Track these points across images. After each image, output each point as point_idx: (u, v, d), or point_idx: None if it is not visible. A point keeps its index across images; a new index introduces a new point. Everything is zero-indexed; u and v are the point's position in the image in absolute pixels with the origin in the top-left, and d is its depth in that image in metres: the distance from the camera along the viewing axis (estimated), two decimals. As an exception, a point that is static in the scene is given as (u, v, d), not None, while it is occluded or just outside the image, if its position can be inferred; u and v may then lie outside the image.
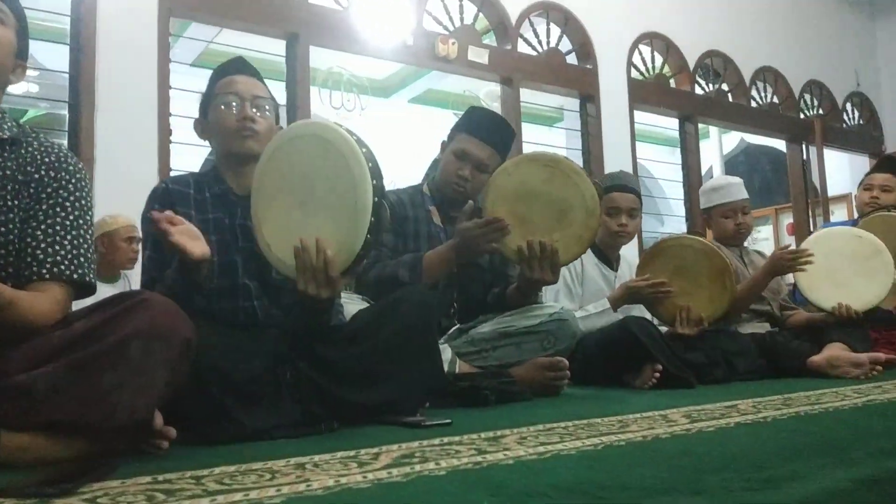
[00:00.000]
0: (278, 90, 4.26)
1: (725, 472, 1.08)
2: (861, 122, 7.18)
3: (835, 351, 2.80)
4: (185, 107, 3.18)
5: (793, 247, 3.17)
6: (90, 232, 1.46)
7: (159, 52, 3.64)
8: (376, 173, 1.59)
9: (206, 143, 1.96)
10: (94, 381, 1.21)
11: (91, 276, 1.43)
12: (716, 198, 3.30)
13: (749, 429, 1.55)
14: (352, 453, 1.28)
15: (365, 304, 2.08)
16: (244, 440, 1.45)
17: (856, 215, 3.83)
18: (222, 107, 1.83)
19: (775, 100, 6.47)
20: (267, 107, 1.87)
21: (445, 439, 1.42)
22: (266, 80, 1.96)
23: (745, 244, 3.44)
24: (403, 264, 2.24)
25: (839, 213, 6.94)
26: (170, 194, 1.81)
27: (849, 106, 7.10)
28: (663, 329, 2.90)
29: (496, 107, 5.24)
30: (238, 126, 1.81)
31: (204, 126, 1.92)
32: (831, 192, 6.28)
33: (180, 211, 1.78)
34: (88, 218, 1.46)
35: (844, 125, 6.98)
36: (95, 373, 1.21)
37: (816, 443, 1.34)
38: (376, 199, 1.57)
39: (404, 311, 1.78)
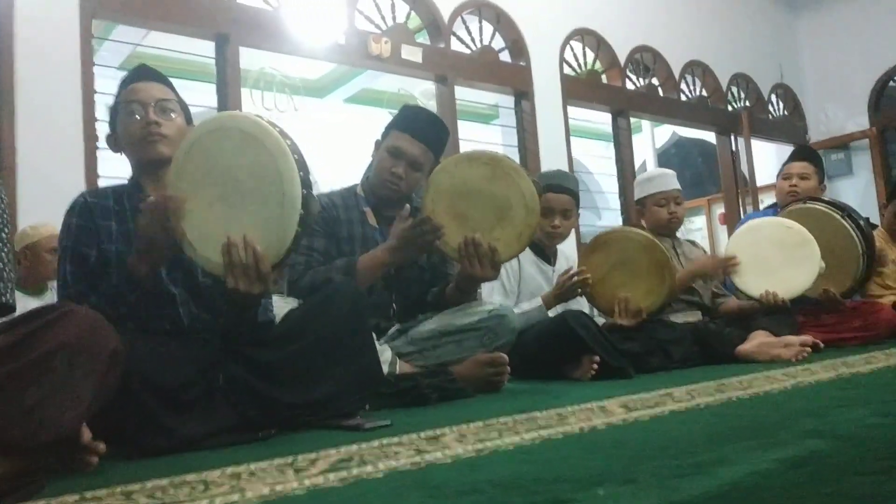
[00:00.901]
0: (208, 92, 4.18)
1: (658, 459, 1.10)
2: (785, 112, 7.42)
3: (759, 337, 2.89)
4: (112, 112, 3.10)
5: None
6: (6, 249, 1.40)
7: (82, 55, 3.53)
8: (302, 165, 1.57)
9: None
10: (16, 397, 1.16)
11: (7, 296, 1.37)
12: (649, 187, 3.38)
13: (683, 416, 1.59)
14: (289, 459, 1.27)
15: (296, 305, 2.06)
16: (179, 450, 1.42)
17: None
18: (128, 116, 1.80)
19: (704, 93, 6.63)
20: (174, 109, 1.84)
21: (385, 441, 1.42)
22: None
23: (679, 234, 3.53)
24: (337, 269, 2.22)
25: (768, 202, 7.09)
26: (89, 208, 1.77)
27: (774, 98, 7.32)
28: (601, 321, 2.95)
29: (432, 105, 5.24)
30: (143, 132, 1.78)
31: (115, 139, 1.88)
32: (760, 181, 6.46)
33: (101, 224, 1.74)
34: (3, 235, 1.40)
35: (770, 116, 7.20)
36: (18, 389, 1.16)
37: (746, 427, 1.38)
38: (304, 191, 1.56)
39: (335, 306, 1.76)
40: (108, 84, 3.83)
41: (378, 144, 2.49)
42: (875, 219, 4.39)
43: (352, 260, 2.24)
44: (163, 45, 4.45)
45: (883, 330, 3.49)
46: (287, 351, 1.69)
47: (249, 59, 4.87)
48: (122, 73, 1.98)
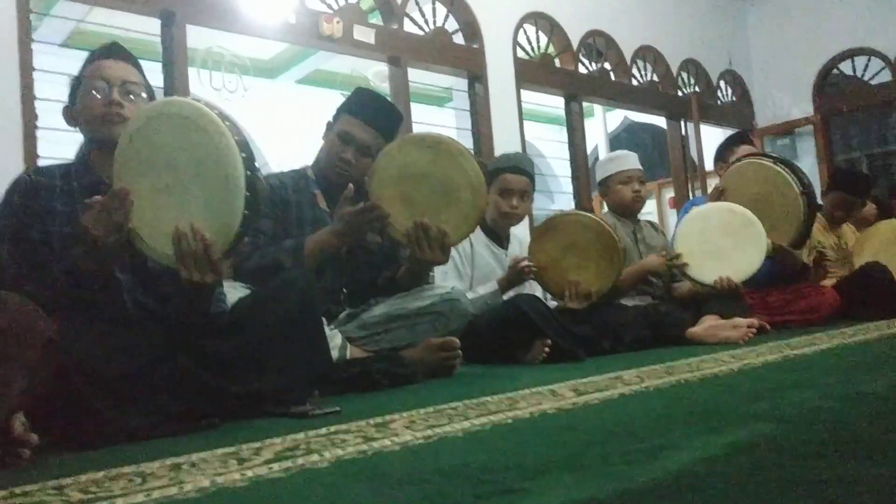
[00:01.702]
0: (154, 71, 4.05)
1: (607, 445, 1.10)
2: (734, 98, 7.52)
3: (710, 320, 2.93)
4: (56, 91, 2.97)
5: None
6: None
7: (20, 31, 3.38)
8: (244, 146, 1.53)
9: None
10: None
11: None
12: (613, 167, 3.40)
13: (632, 399, 1.59)
14: (233, 449, 1.23)
15: (245, 291, 2.02)
16: (118, 442, 1.37)
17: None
18: (92, 92, 1.75)
19: (655, 78, 6.68)
20: (139, 93, 1.79)
21: (332, 428, 1.39)
22: (140, 61, 1.87)
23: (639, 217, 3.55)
24: (284, 250, 2.18)
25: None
26: (34, 186, 1.71)
27: (722, 83, 7.42)
28: (553, 304, 2.96)
29: (385, 87, 5.18)
30: (104, 112, 1.73)
31: (72, 112, 1.82)
32: (708, 166, 6.54)
33: (45, 204, 1.68)
34: None
35: (718, 102, 7.29)
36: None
37: (695, 410, 1.39)
38: (248, 172, 1.52)
39: (287, 296, 1.73)
40: (49, 61, 3.70)
41: (330, 126, 2.44)
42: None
43: (299, 241, 2.20)
44: (106, 21, 4.31)
45: (826, 312, 3.59)
46: (236, 340, 1.65)
47: (197, 37, 4.74)
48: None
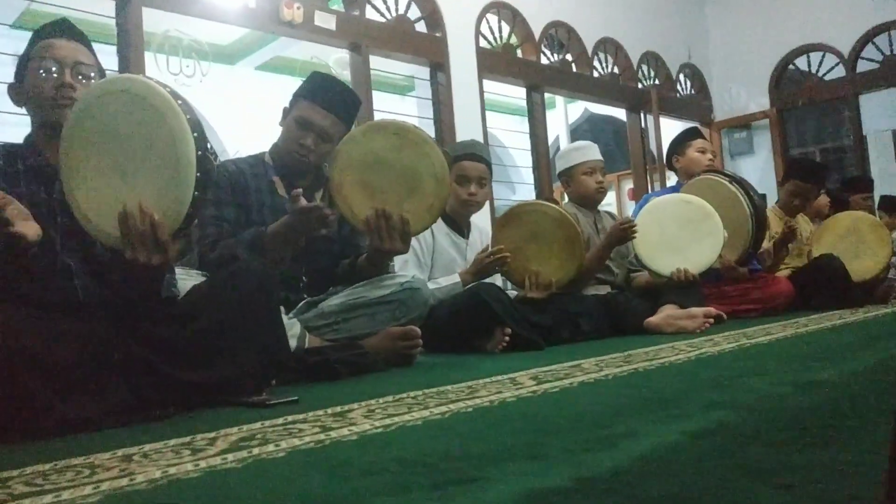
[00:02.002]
0: (109, 55, 3.95)
1: (566, 433, 1.09)
2: (692, 92, 7.62)
3: (668, 310, 2.97)
4: (5, 73, 2.88)
5: (631, 215, 3.34)
6: None
7: (-35, 9, 3.27)
8: (196, 126, 1.49)
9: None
10: None
11: None
12: (577, 157, 3.41)
13: (591, 387, 1.60)
14: (186, 440, 1.20)
15: (202, 279, 1.98)
16: (66, 433, 1.33)
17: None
18: (40, 72, 1.69)
19: (616, 70, 6.73)
20: (91, 74, 1.74)
21: (290, 418, 1.37)
22: (95, 44, 1.81)
23: (598, 208, 3.58)
24: (243, 243, 2.13)
25: (674, 178, 7.37)
26: None
27: (682, 77, 7.51)
28: (513, 294, 2.97)
29: (346, 75, 5.13)
30: (55, 94, 1.68)
31: (18, 91, 1.76)
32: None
33: None
34: None
35: (678, 95, 7.38)
36: None
37: (653, 398, 1.39)
38: (199, 152, 1.48)
39: (243, 284, 1.69)
40: (0, 43, 3.58)
41: (286, 112, 2.40)
42: (774, 196, 4.57)
43: (259, 232, 2.15)
44: (59, 2, 4.18)
45: (781, 301, 3.66)
46: (190, 328, 1.61)
47: (154, 20, 4.64)
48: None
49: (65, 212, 1.64)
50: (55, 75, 1.69)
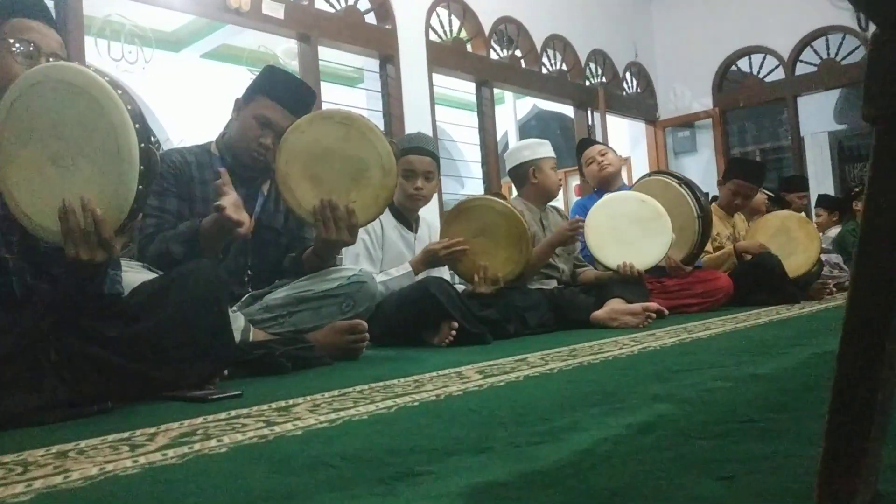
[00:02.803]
0: (45, 38, 3.81)
1: (512, 426, 1.10)
2: (638, 90, 7.74)
3: (613, 304, 3.01)
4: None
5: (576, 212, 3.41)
6: None
7: None
8: (138, 117, 1.44)
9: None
10: None
11: None
12: (545, 151, 3.48)
13: (537, 381, 1.61)
14: (125, 435, 1.17)
15: (148, 273, 1.93)
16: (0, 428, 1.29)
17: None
18: (11, 53, 1.60)
19: (564, 67, 6.79)
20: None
21: (233, 412, 1.35)
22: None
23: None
24: (178, 237, 2.07)
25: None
26: None
27: (628, 75, 7.61)
28: (461, 288, 2.97)
29: (294, 65, 5.06)
30: None
31: None
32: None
33: None
34: None
35: (624, 93, 7.48)
36: None
37: (597, 391, 1.41)
38: (142, 144, 1.44)
39: (193, 285, 1.66)
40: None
41: (239, 104, 2.35)
42: (715, 193, 4.68)
43: (195, 226, 2.07)
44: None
45: (720, 297, 3.76)
46: (137, 327, 1.57)
47: (95, 4, 4.50)
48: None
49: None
50: (31, 60, 1.60)
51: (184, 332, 1.61)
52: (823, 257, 4.88)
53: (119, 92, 1.44)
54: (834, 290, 4.46)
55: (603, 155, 3.99)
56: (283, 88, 2.32)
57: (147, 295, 1.68)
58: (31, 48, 1.61)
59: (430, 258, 2.87)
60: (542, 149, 3.48)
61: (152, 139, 1.49)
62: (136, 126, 1.43)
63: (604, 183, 3.96)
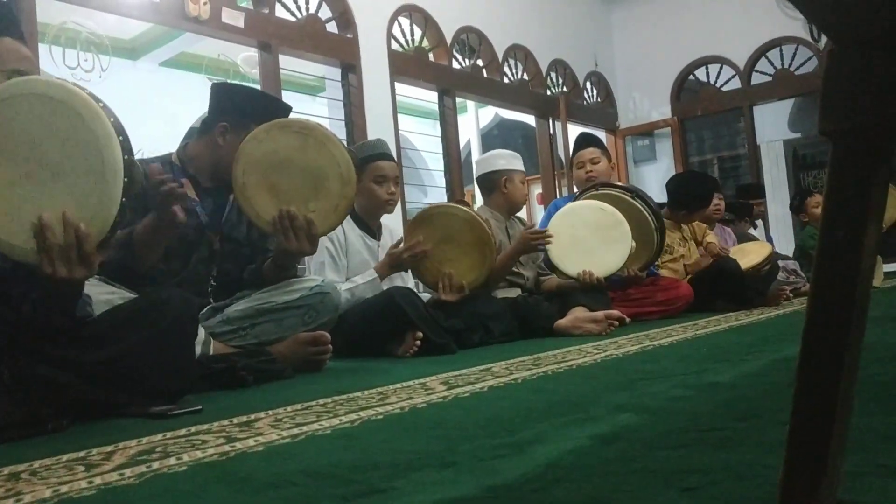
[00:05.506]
0: (-3, 45, 3.73)
1: (477, 439, 1.09)
2: (599, 99, 7.83)
3: (577, 313, 3.04)
4: None
5: (540, 219, 3.42)
6: None
7: None
8: (120, 129, 1.42)
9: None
10: None
11: None
12: (517, 164, 3.52)
13: (502, 391, 1.61)
14: (81, 454, 1.14)
15: (105, 286, 1.89)
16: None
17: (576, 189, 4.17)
18: None
19: (525, 77, 6.84)
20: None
21: (193, 429, 1.32)
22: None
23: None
24: (115, 243, 2.01)
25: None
26: None
27: (588, 84, 7.70)
28: (426, 297, 2.97)
29: (255, 74, 5.02)
30: None
31: None
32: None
33: None
34: None
35: (585, 102, 7.57)
36: None
37: (561, 401, 1.41)
38: (126, 156, 1.41)
39: (162, 317, 1.64)
40: None
41: (225, 130, 2.29)
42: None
43: (130, 230, 1.99)
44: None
45: (681, 304, 3.80)
46: (103, 353, 1.54)
47: (49, 11, 4.42)
48: None
49: None
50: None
51: (147, 363, 1.59)
52: (780, 263, 4.98)
53: (101, 104, 1.42)
54: (790, 295, 4.54)
55: (595, 163, 3.95)
56: (272, 113, 2.29)
57: (117, 320, 1.64)
58: None
59: (395, 262, 2.86)
60: (517, 162, 3.53)
61: (133, 153, 1.46)
62: (120, 139, 1.41)
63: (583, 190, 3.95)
